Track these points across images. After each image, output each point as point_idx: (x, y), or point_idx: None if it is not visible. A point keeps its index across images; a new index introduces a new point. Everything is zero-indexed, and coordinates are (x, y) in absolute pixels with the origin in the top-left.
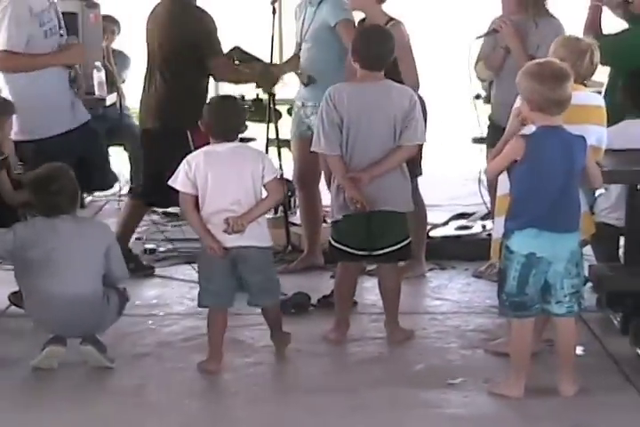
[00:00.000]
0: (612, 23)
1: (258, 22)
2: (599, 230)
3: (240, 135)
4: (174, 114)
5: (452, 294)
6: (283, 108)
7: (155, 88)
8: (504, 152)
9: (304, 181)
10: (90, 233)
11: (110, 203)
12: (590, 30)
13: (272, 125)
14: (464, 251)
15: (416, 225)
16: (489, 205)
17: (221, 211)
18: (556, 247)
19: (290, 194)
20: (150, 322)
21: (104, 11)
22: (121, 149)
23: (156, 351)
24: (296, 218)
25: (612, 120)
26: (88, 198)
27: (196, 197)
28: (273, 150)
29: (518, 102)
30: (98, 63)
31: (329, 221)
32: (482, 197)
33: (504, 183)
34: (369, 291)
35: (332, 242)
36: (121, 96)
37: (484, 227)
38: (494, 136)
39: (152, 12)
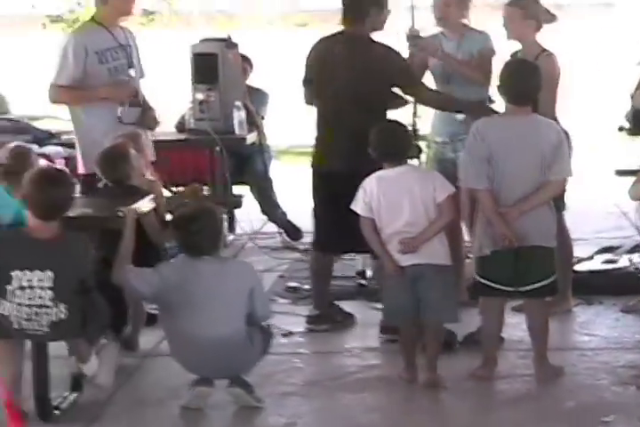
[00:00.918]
0: None
1: None
2: None
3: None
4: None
5: (601, 330)
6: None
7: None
8: None
9: None
10: (233, 274)
11: (252, 241)
12: None
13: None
14: (611, 285)
15: (562, 259)
16: (637, 237)
17: (397, 233)
18: None
19: None
20: (297, 360)
21: None
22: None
23: (303, 390)
24: None
25: None
26: (230, 237)
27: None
28: None
29: None
30: (238, 102)
31: (471, 256)
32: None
33: None
34: (515, 327)
35: (479, 278)
36: (261, 134)
37: (630, 261)
38: None
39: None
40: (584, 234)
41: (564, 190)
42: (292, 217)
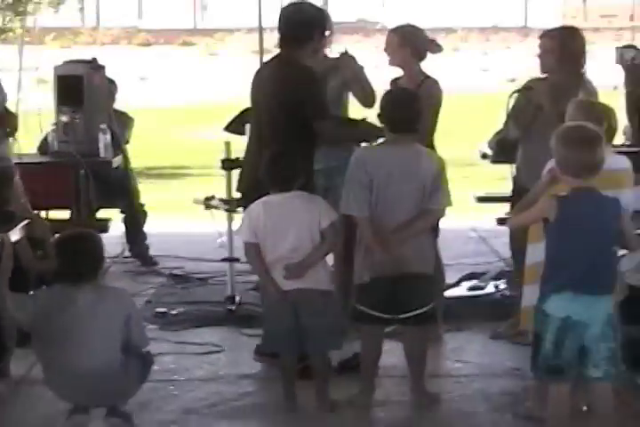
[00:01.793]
0: None
1: None
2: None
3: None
4: None
5: (473, 356)
6: None
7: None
8: (535, 208)
9: None
10: (109, 302)
11: (115, 266)
12: None
13: None
14: (479, 312)
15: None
16: (499, 263)
17: (282, 258)
18: (592, 310)
19: None
20: (172, 387)
21: None
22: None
23: (181, 418)
24: None
25: None
26: None
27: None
28: None
29: (550, 165)
30: (103, 126)
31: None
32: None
33: (535, 252)
34: (388, 353)
35: (357, 305)
36: (126, 158)
37: (496, 287)
38: (519, 199)
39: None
40: (446, 259)
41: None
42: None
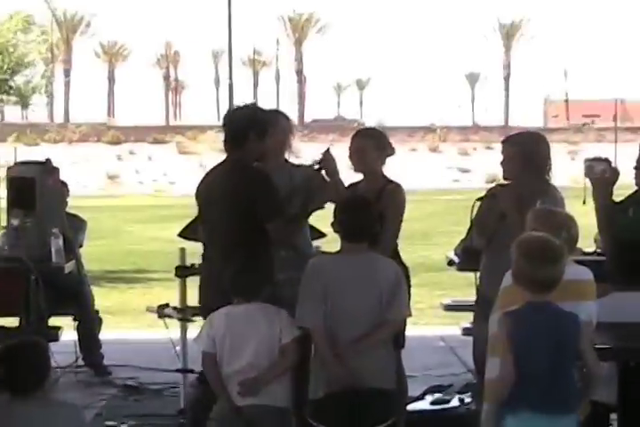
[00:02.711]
0: None
1: None
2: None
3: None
4: None
5: None
6: None
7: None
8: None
9: None
10: (58, 419)
11: (66, 375)
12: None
13: None
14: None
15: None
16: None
17: (238, 372)
18: None
19: None
20: None
21: None
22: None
23: None
24: None
25: None
26: None
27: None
28: None
29: (509, 278)
30: (55, 229)
31: None
32: None
33: (494, 367)
34: None
35: (312, 421)
36: (79, 263)
37: (462, 401)
38: (483, 311)
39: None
40: (412, 371)
41: (403, 327)
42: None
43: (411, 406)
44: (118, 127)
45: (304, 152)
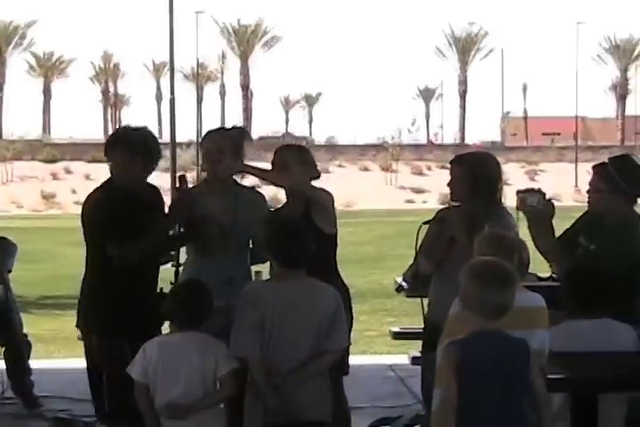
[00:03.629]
0: None
1: None
2: None
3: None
4: None
5: None
6: None
7: None
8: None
9: None
10: None
11: None
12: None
13: None
14: None
15: None
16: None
17: (170, 403)
18: None
19: None
20: None
21: None
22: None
23: None
24: None
25: None
26: None
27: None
28: None
29: (457, 305)
30: None
31: None
32: None
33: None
34: None
35: None
36: (8, 287)
37: None
38: (431, 339)
39: None
40: (359, 402)
41: (347, 353)
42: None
43: None
44: (54, 144)
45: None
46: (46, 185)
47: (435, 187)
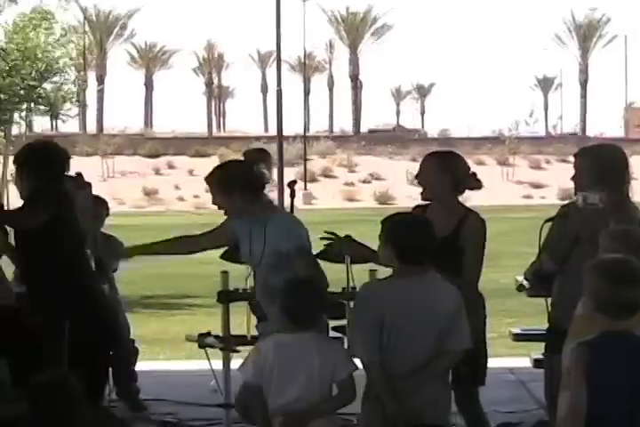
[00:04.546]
0: None
1: None
2: None
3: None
4: None
5: None
6: None
7: None
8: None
9: None
10: None
11: None
12: None
13: None
14: None
15: None
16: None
17: (284, 407)
18: None
19: None
20: None
21: None
22: None
23: None
24: None
25: None
26: None
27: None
28: None
29: (580, 308)
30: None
31: None
32: None
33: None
34: None
35: None
36: (114, 288)
37: None
38: (557, 343)
39: None
40: None
41: (484, 361)
42: None
43: None
44: (156, 139)
45: (361, 166)
46: (148, 181)
47: (554, 181)
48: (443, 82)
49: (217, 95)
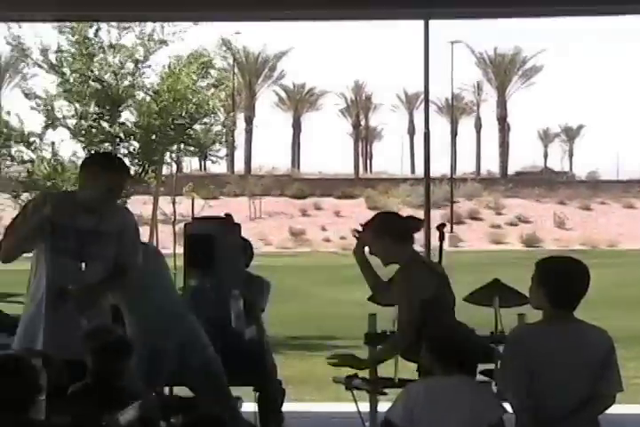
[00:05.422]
0: None
1: None
2: None
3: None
4: None
5: None
6: None
7: None
8: None
9: None
10: None
11: None
12: None
13: None
14: None
15: None
16: None
17: None
18: None
19: None
20: None
21: None
22: None
23: None
24: None
25: None
26: None
27: None
28: None
29: None
30: (236, 292)
31: None
32: None
33: None
34: None
35: None
36: (261, 328)
37: None
38: None
39: None
40: None
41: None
42: None
43: None
44: (303, 179)
45: (508, 208)
46: (295, 221)
47: None
48: (592, 123)
49: (364, 136)
